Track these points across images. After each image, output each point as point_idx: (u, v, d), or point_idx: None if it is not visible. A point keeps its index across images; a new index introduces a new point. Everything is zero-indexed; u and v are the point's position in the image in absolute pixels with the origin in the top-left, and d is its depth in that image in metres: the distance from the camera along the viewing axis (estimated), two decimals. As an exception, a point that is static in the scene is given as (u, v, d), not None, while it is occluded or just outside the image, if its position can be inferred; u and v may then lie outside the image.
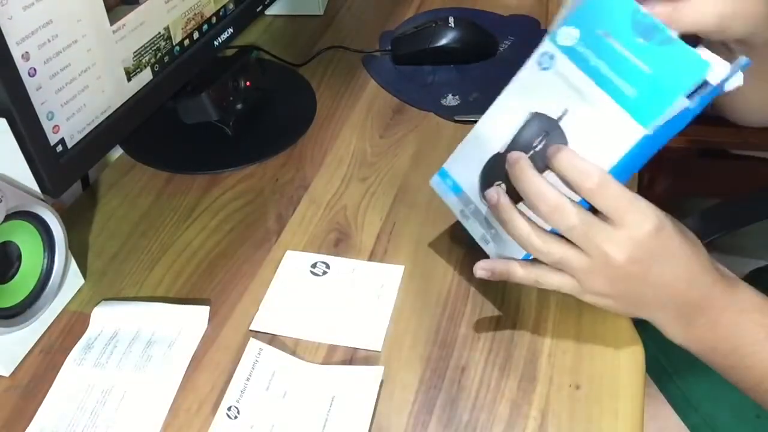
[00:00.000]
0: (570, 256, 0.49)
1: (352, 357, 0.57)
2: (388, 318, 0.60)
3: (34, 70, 0.53)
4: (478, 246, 0.56)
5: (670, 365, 0.73)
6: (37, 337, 0.60)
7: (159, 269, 0.66)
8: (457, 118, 0.82)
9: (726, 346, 0.51)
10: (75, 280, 0.63)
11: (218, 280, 0.64)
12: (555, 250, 0.49)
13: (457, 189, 0.56)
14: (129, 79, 0.64)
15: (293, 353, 0.57)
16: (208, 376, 0.56)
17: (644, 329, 0.56)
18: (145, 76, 0.66)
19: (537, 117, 0.51)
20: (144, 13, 0.64)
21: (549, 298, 0.60)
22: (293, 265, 0.65)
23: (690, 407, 0.71)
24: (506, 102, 0.53)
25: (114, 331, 0.59)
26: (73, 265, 0.63)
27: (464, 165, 0.55)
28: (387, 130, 0.82)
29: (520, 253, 0.52)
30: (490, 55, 0.93)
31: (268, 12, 0.98)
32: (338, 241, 0.68)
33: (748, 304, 0.51)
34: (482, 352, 0.57)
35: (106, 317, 0.61)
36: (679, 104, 0.45)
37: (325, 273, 0.64)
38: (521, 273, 0.52)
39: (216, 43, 0.76)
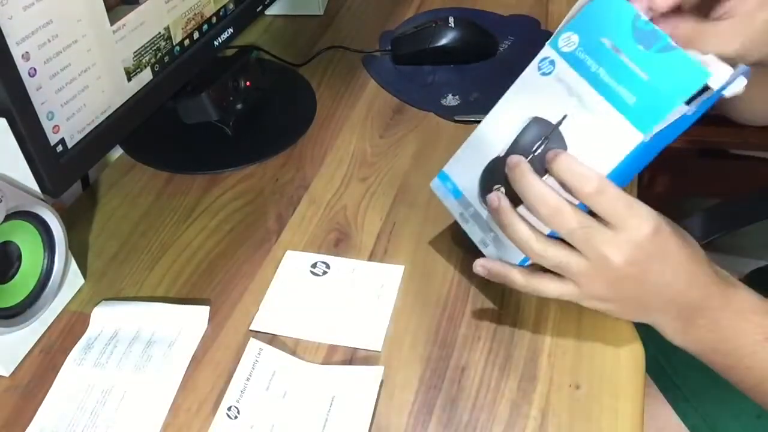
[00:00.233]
0: (569, 260, 0.49)
1: (352, 357, 0.57)
2: (388, 318, 0.60)
3: (34, 70, 0.53)
4: (478, 247, 0.56)
5: (670, 365, 0.73)
6: (37, 337, 0.60)
7: (159, 269, 0.66)
8: (457, 118, 0.82)
9: (726, 347, 0.51)
10: (75, 280, 0.63)
11: (218, 280, 0.65)
12: (554, 254, 0.49)
13: (456, 192, 0.56)
14: (129, 79, 0.64)
15: (293, 353, 0.57)
16: (208, 376, 0.56)
17: (644, 329, 0.56)
18: (145, 76, 0.66)
19: (537, 121, 0.51)
20: (144, 13, 0.64)
21: (549, 299, 0.60)
22: (293, 265, 0.65)
23: (690, 407, 0.71)
24: (506, 106, 0.54)
25: (114, 331, 0.59)
26: (73, 265, 0.63)
27: (464, 168, 0.56)
28: (387, 130, 0.82)
29: (519, 257, 0.52)
30: (490, 55, 0.93)
31: (268, 12, 0.98)
32: (338, 241, 0.68)
33: (747, 304, 0.52)
34: (482, 352, 0.57)
35: (106, 317, 0.61)
36: (678, 111, 0.45)
37: (325, 273, 0.64)
38: (520, 281, 0.52)
39: (216, 43, 0.76)
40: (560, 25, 0.51)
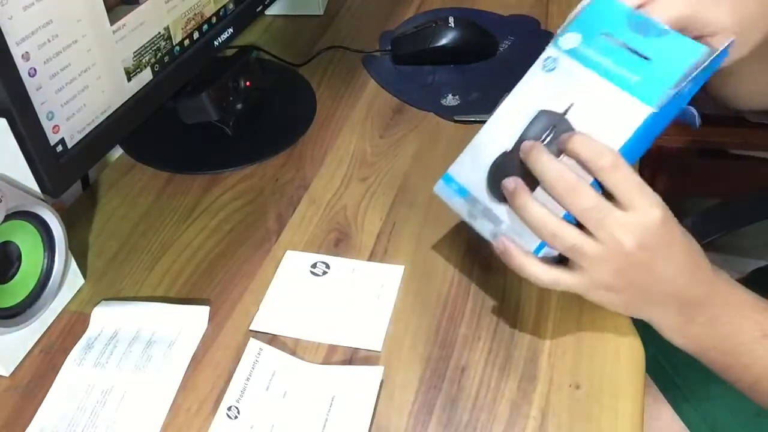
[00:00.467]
0: (582, 242, 0.49)
1: (352, 357, 0.57)
2: (388, 318, 0.60)
3: (34, 70, 0.53)
4: (478, 247, 0.56)
5: (670, 365, 0.73)
6: (37, 337, 0.60)
7: (159, 269, 0.66)
8: (457, 118, 0.82)
9: (724, 344, 0.52)
10: (75, 280, 0.63)
11: (218, 280, 0.65)
12: (568, 234, 0.49)
13: (463, 191, 0.56)
14: (129, 79, 0.64)
15: (293, 353, 0.57)
16: (208, 376, 0.56)
17: (644, 329, 0.56)
18: (145, 76, 0.66)
19: (543, 113, 0.52)
20: (144, 13, 0.64)
21: (549, 298, 0.60)
22: (293, 265, 0.65)
23: (690, 407, 0.71)
24: (511, 104, 0.54)
25: (114, 331, 0.59)
26: (73, 265, 0.63)
27: (470, 167, 0.56)
28: (387, 130, 0.82)
29: (532, 246, 0.52)
30: (490, 55, 0.93)
31: (268, 12, 0.98)
32: (338, 241, 0.68)
33: (746, 303, 0.52)
34: (482, 352, 0.57)
35: (106, 317, 0.61)
36: (680, 83, 0.48)
37: (325, 273, 0.64)
38: (533, 268, 0.51)
39: (216, 43, 0.76)
40: (560, 29, 0.54)
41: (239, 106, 0.82)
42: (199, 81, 0.77)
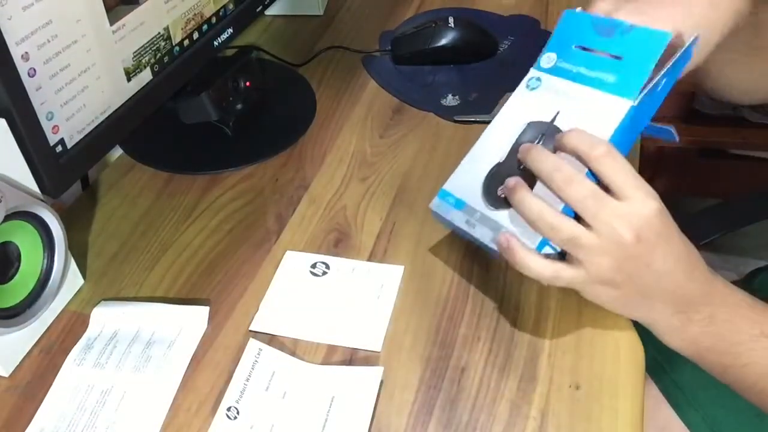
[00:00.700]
0: (580, 234, 0.49)
1: (352, 357, 0.57)
2: (388, 318, 0.60)
3: (34, 70, 0.53)
4: (478, 248, 0.56)
5: (669, 365, 0.73)
6: (37, 337, 0.60)
7: (159, 269, 0.66)
8: (456, 118, 0.82)
9: (722, 344, 0.52)
10: (75, 280, 0.63)
11: (218, 280, 0.65)
12: (565, 225, 0.49)
13: (460, 204, 0.57)
14: (129, 80, 0.64)
15: (293, 353, 0.57)
16: (207, 376, 0.56)
17: (644, 329, 0.56)
18: (145, 76, 0.66)
19: (532, 124, 0.55)
20: (144, 13, 0.64)
21: (549, 298, 0.60)
22: (293, 265, 0.65)
23: (690, 407, 0.71)
24: (501, 122, 0.57)
25: (114, 332, 0.59)
26: (73, 265, 0.63)
27: (465, 181, 0.57)
28: (387, 130, 0.82)
29: (532, 245, 0.52)
30: (490, 55, 0.93)
31: (268, 12, 0.98)
32: (338, 241, 0.68)
33: (743, 302, 0.52)
34: (482, 352, 0.57)
35: (105, 317, 0.61)
36: (655, 73, 0.50)
37: (324, 273, 0.64)
38: (534, 263, 0.51)
39: (216, 43, 0.76)
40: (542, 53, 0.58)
41: (239, 106, 0.82)
42: (199, 81, 0.77)
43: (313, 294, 0.62)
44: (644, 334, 0.57)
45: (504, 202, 0.53)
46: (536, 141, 0.53)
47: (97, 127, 0.62)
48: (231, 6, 0.78)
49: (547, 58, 0.56)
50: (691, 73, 0.56)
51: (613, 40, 0.52)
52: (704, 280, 0.52)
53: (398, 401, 0.54)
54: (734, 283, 0.53)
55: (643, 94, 0.51)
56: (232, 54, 0.86)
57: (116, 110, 0.63)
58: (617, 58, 0.52)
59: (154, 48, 0.67)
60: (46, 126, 0.56)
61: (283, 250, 0.66)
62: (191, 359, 0.57)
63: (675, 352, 0.54)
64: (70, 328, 0.61)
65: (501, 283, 0.62)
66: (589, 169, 0.50)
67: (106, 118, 0.62)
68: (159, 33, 0.67)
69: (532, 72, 0.57)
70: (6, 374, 0.57)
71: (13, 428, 0.53)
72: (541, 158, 0.50)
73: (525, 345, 0.57)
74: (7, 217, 0.53)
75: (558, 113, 0.54)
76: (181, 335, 0.59)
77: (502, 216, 0.53)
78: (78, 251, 0.67)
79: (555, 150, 0.51)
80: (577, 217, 0.49)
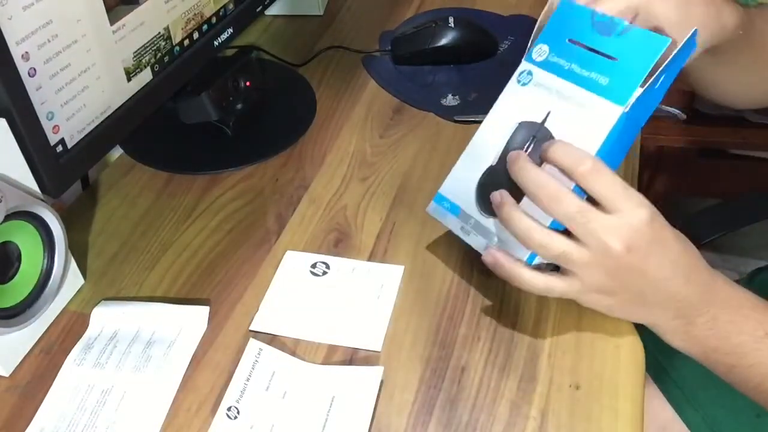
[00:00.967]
0: (571, 249, 0.49)
1: (352, 357, 0.57)
2: (388, 318, 0.60)
3: (34, 70, 0.53)
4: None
5: (670, 365, 0.73)
6: (37, 337, 0.60)
7: (159, 269, 0.66)
8: (457, 118, 0.82)
9: (726, 345, 0.51)
10: (75, 280, 0.63)
11: (218, 280, 0.64)
12: (556, 243, 0.49)
13: (455, 209, 0.57)
14: (129, 79, 0.64)
15: (293, 353, 0.57)
16: (207, 376, 0.56)
17: (644, 328, 0.56)
18: (145, 76, 0.66)
19: (523, 125, 0.54)
20: (144, 13, 0.64)
21: (549, 299, 0.60)
22: (293, 265, 0.65)
23: (690, 407, 0.71)
24: (493, 120, 0.56)
25: (114, 332, 0.59)
26: (73, 265, 0.63)
27: (459, 185, 0.57)
28: (387, 130, 0.82)
29: (524, 256, 0.52)
30: (490, 55, 0.93)
31: (268, 12, 0.98)
32: (338, 241, 0.68)
33: (745, 302, 0.52)
34: (482, 352, 0.57)
35: (105, 317, 0.61)
36: (648, 79, 0.49)
37: (325, 273, 0.64)
38: (524, 275, 0.52)
39: (216, 43, 0.76)
40: (530, 41, 0.56)
41: (239, 106, 0.82)
42: (199, 81, 0.77)
43: (314, 294, 0.62)
44: (644, 333, 0.57)
45: None
46: (527, 144, 0.53)
47: (97, 127, 0.62)
48: (231, 6, 0.78)
49: (539, 50, 0.55)
50: (692, 81, 0.57)
51: (610, 40, 0.51)
52: (704, 282, 0.51)
53: (398, 401, 0.54)
54: (735, 282, 0.53)
55: (635, 100, 0.49)
56: (232, 54, 0.85)
57: (116, 110, 0.63)
58: (612, 58, 0.51)
59: (155, 48, 0.67)
60: (47, 126, 0.56)
61: (283, 250, 0.66)
62: (191, 359, 0.57)
63: (675, 352, 0.54)
64: (70, 328, 0.61)
65: (501, 283, 0.62)
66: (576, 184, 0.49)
67: (107, 118, 0.62)
68: (159, 33, 0.67)
69: (523, 65, 0.55)
70: (6, 374, 0.57)
71: (13, 428, 0.54)
72: (526, 175, 0.50)
73: (525, 345, 0.57)
74: (7, 217, 0.53)
75: (549, 113, 0.53)
76: (181, 335, 0.59)
77: (494, 224, 0.54)
78: (78, 251, 0.67)
79: (542, 160, 0.51)
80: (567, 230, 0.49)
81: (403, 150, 0.79)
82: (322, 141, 0.81)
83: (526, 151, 0.52)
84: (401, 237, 0.67)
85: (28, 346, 0.59)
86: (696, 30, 0.50)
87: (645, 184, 1.51)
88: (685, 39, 0.50)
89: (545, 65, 0.54)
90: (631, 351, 0.56)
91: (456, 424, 0.52)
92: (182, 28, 0.70)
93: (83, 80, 0.59)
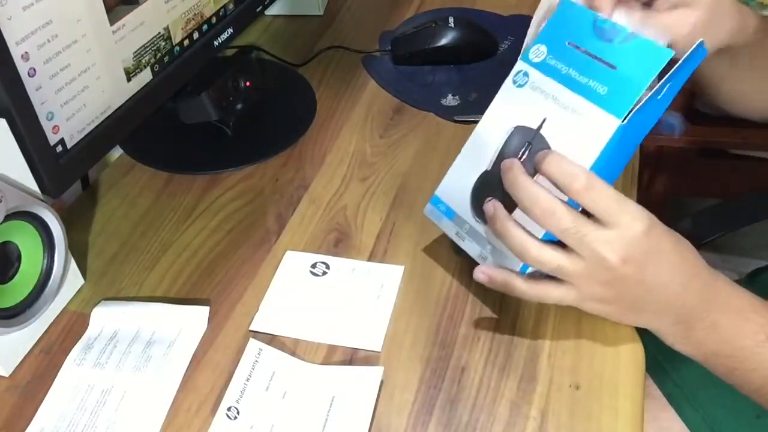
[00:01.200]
0: (566, 263, 0.49)
1: (352, 357, 0.57)
2: (388, 318, 0.60)
3: (34, 70, 0.53)
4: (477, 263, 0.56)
5: (670, 365, 0.73)
6: (37, 337, 0.60)
7: (159, 269, 0.66)
8: (457, 118, 0.82)
9: (727, 348, 0.51)
10: (75, 280, 0.63)
11: (218, 280, 0.64)
12: (551, 257, 0.49)
13: (450, 213, 0.57)
14: (129, 79, 0.64)
15: (293, 353, 0.57)
16: (207, 376, 0.56)
17: (644, 329, 0.56)
18: (145, 76, 0.66)
19: (518, 130, 0.53)
20: (144, 13, 0.64)
21: (549, 298, 0.60)
22: (293, 265, 0.65)
23: (690, 407, 0.71)
24: (488, 123, 0.55)
25: (114, 332, 0.59)
26: (73, 265, 0.63)
27: (454, 188, 0.57)
28: (387, 130, 0.82)
29: (519, 266, 0.53)
30: (490, 55, 0.93)
31: (268, 12, 0.98)
32: (338, 241, 0.68)
33: (746, 304, 0.51)
34: (482, 352, 0.57)
35: (105, 317, 0.61)
36: (647, 93, 0.47)
37: (325, 273, 0.64)
38: (521, 287, 0.52)
39: (216, 43, 0.76)
40: (526, 41, 0.55)
41: (239, 106, 0.82)
42: (199, 81, 0.77)
43: (313, 294, 0.62)
44: (644, 333, 0.57)
45: None
46: (521, 151, 0.52)
47: (97, 127, 0.62)
48: (231, 6, 0.78)
49: (537, 51, 0.53)
50: (702, 90, 0.56)
51: (611, 47, 0.49)
52: (703, 287, 0.51)
53: (398, 401, 0.54)
54: (735, 282, 0.53)
55: (634, 113, 0.48)
56: (232, 54, 0.86)
57: (116, 110, 0.63)
58: (612, 67, 0.49)
59: (154, 48, 0.67)
60: (47, 126, 0.56)
61: (283, 250, 0.66)
62: (191, 359, 0.57)
63: (675, 352, 0.54)
64: (70, 328, 0.61)
65: (501, 283, 0.62)
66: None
67: (107, 118, 0.62)
68: (159, 33, 0.67)
69: (519, 65, 0.54)
70: (6, 374, 0.57)
71: (13, 428, 0.54)
72: (520, 187, 0.49)
73: (525, 345, 0.57)
74: (7, 217, 0.53)
75: (545, 120, 0.51)
76: (181, 335, 0.59)
77: (489, 231, 0.53)
78: (78, 251, 0.67)
79: (537, 169, 0.50)
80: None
81: (403, 150, 0.79)
82: (322, 141, 0.81)
83: (520, 158, 0.51)
84: (401, 237, 0.67)
85: (28, 346, 0.59)
86: (702, 41, 0.48)
87: (645, 184, 1.51)
88: (692, 49, 0.48)
89: (542, 67, 0.52)
90: (631, 351, 0.56)
91: (456, 424, 0.52)
92: (182, 28, 0.70)
93: (83, 80, 0.59)
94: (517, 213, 0.51)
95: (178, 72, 0.71)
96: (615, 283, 0.49)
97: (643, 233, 0.47)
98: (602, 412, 0.52)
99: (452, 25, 0.91)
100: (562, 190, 0.48)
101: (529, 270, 0.52)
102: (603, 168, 0.49)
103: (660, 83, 0.47)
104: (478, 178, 0.55)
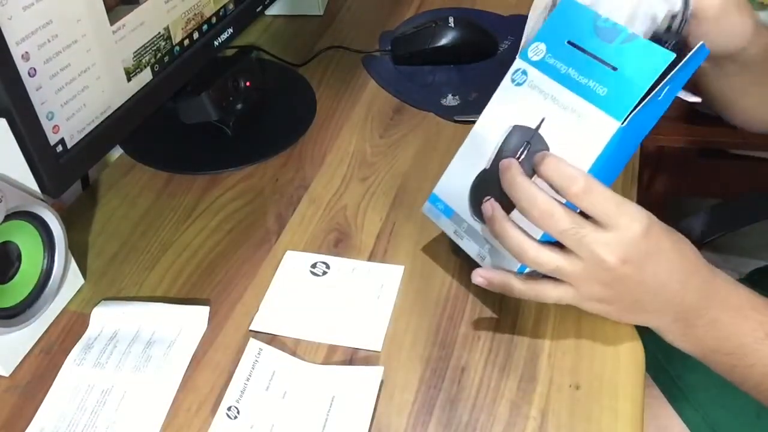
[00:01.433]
0: (564, 264, 0.49)
1: (352, 357, 0.57)
2: (388, 318, 0.60)
3: (34, 70, 0.53)
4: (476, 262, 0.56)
5: (670, 365, 0.73)
6: (37, 337, 0.60)
7: (159, 269, 0.66)
8: (456, 118, 0.82)
9: (727, 346, 0.51)
10: (75, 280, 0.63)
11: (218, 280, 0.65)
12: (549, 258, 0.49)
13: (448, 211, 0.57)
14: (129, 79, 0.64)
15: (293, 353, 0.57)
16: (207, 376, 0.56)
17: (644, 328, 0.56)
18: (145, 76, 0.66)
19: (517, 129, 0.52)
20: (144, 13, 0.64)
21: (549, 298, 0.60)
22: (293, 265, 0.65)
23: (690, 407, 0.71)
24: (486, 121, 0.55)
25: (114, 331, 0.59)
26: (73, 265, 0.63)
27: (453, 187, 0.56)
28: (387, 130, 0.82)
29: (517, 266, 0.53)
30: (490, 55, 0.93)
31: (268, 12, 0.98)
32: (338, 241, 0.68)
33: (746, 301, 0.52)
34: (482, 352, 0.57)
35: (105, 317, 0.61)
36: (648, 94, 0.47)
37: (325, 273, 0.64)
38: (520, 288, 0.52)
39: (216, 43, 0.76)
40: (524, 38, 0.54)
41: (239, 106, 0.82)
42: (199, 81, 0.77)
43: (314, 294, 0.62)
44: (645, 333, 0.57)
45: None
46: (519, 151, 0.52)
47: (97, 127, 0.62)
48: (231, 6, 0.78)
49: (535, 49, 0.52)
50: (710, 95, 0.55)
51: (612, 47, 0.48)
52: (703, 284, 0.51)
53: (398, 401, 0.54)
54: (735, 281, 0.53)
55: (633, 115, 0.47)
56: (232, 54, 0.86)
57: (116, 110, 0.63)
58: (612, 67, 0.48)
59: (155, 48, 0.67)
60: (47, 126, 0.56)
61: (283, 250, 0.66)
62: (191, 359, 0.57)
63: (675, 352, 0.54)
64: (70, 328, 0.61)
65: (501, 283, 0.62)
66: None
67: (107, 118, 0.62)
68: (159, 33, 0.67)
69: (518, 63, 0.53)
70: (6, 374, 0.57)
71: (13, 428, 0.54)
72: (518, 188, 0.49)
73: (525, 345, 0.57)
74: (7, 217, 0.53)
75: (543, 120, 0.51)
76: (181, 335, 0.59)
77: (487, 231, 0.53)
78: (78, 251, 0.67)
79: (532, 174, 0.50)
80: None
81: (403, 150, 0.79)
82: (322, 141, 0.81)
83: (518, 158, 0.51)
84: (401, 237, 0.67)
85: (28, 346, 0.59)
86: (703, 44, 0.48)
87: (645, 184, 1.51)
88: (693, 50, 0.47)
89: (541, 66, 0.52)
90: (631, 351, 0.56)
91: (456, 424, 0.52)
92: (182, 28, 0.70)
93: (83, 80, 0.59)
94: (515, 212, 0.51)
95: (178, 72, 0.71)
96: (614, 284, 0.49)
97: (642, 234, 0.48)
98: (602, 412, 0.52)
99: (452, 25, 0.91)
100: (560, 193, 0.48)
101: (526, 270, 0.52)
102: (601, 169, 0.49)
103: (660, 85, 0.47)
104: (477, 177, 0.55)
